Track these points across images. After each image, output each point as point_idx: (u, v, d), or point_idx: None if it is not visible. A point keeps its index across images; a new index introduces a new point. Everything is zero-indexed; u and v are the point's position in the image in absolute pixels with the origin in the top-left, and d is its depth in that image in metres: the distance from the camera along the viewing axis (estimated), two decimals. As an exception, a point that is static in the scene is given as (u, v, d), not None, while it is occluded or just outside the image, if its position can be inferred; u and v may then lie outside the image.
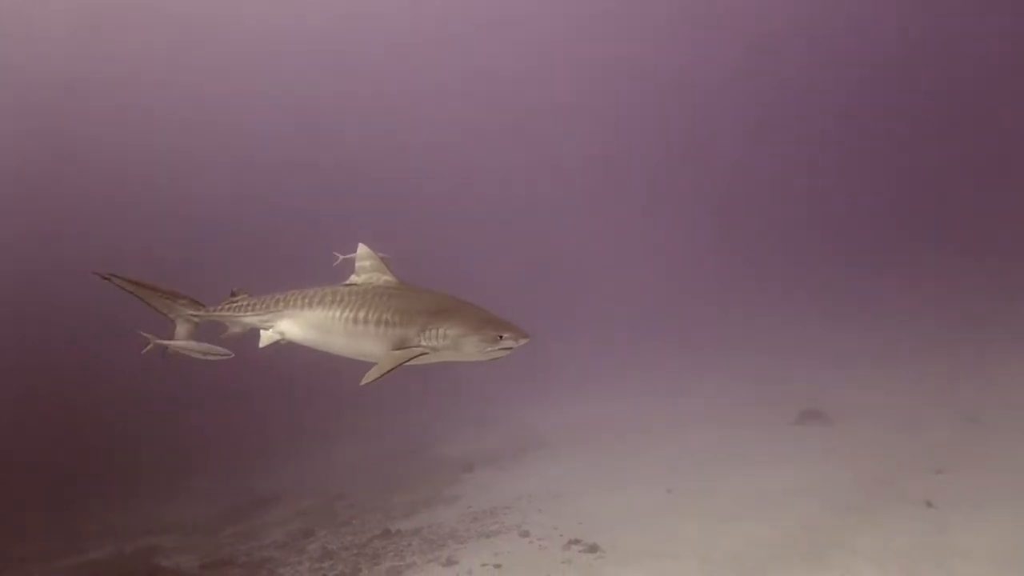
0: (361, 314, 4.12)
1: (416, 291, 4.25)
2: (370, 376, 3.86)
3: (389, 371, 3.87)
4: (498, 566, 8.13)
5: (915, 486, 8.62)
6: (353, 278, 4.42)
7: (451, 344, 3.98)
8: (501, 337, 3.96)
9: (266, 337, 4.55)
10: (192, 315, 4.86)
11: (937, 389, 13.83)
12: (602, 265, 43.02)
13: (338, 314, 4.18)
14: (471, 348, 3.98)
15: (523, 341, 4.00)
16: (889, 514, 7.89)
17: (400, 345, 4.00)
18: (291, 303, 4.44)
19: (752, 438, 12.98)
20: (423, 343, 3.99)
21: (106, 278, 4.52)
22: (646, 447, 13.93)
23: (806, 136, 53.80)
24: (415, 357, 3.95)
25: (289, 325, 4.43)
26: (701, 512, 9.17)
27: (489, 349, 3.99)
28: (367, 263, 4.38)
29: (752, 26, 50.20)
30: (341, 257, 5.08)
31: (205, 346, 4.69)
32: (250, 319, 4.70)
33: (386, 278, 4.34)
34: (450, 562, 8.55)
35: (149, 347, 4.92)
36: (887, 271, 30.40)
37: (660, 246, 45.32)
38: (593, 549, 8.21)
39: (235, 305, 4.79)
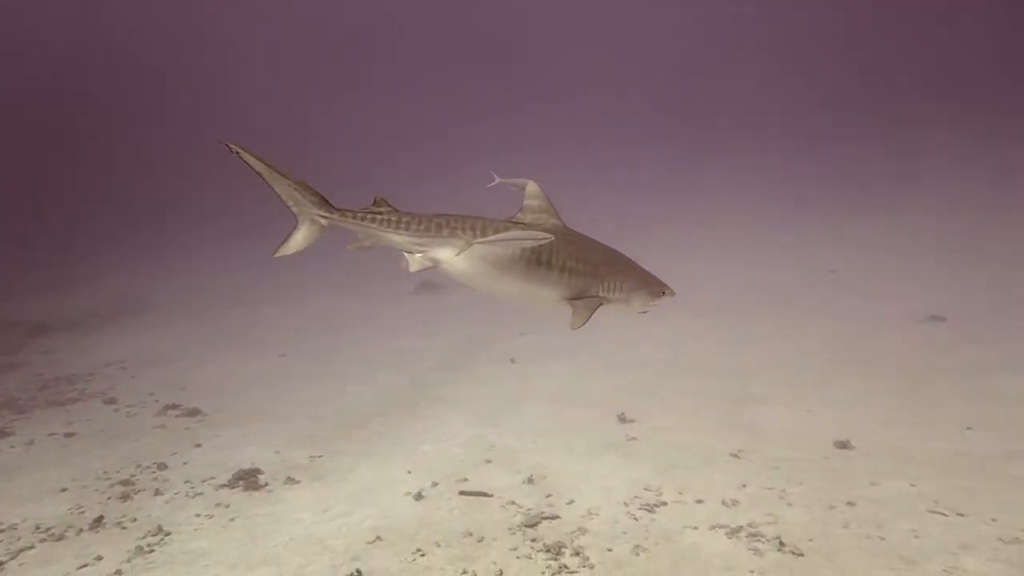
0: (544, 257, 4.00)
1: (584, 239, 4.24)
2: (577, 323, 4.01)
3: (588, 320, 4.04)
4: (71, 435, 7.00)
5: (504, 347, 9.93)
6: (519, 216, 4.19)
7: (624, 297, 4.19)
8: (663, 293, 4.26)
9: (417, 262, 4.07)
10: (320, 215, 4.07)
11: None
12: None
13: (519, 254, 3.95)
14: (638, 302, 4.23)
15: (673, 297, 4.31)
16: (481, 370, 8.95)
17: (580, 293, 4.10)
18: (459, 231, 3.96)
19: (374, 307, 13.44)
20: (601, 293, 4.13)
21: (235, 151, 3.83)
22: (264, 314, 13.41)
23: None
24: (596, 308, 4.11)
25: (453, 255, 3.99)
26: (315, 375, 9.20)
27: (651, 303, 4.26)
28: (535, 203, 4.18)
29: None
30: (498, 179, 4.47)
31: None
32: (399, 237, 4.08)
33: (553, 221, 4.18)
34: (4, 433, 7.08)
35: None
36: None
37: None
38: (193, 413, 7.61)
39: (379, 217, 4.08)
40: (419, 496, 5.18)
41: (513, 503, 5.01)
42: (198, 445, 6.60)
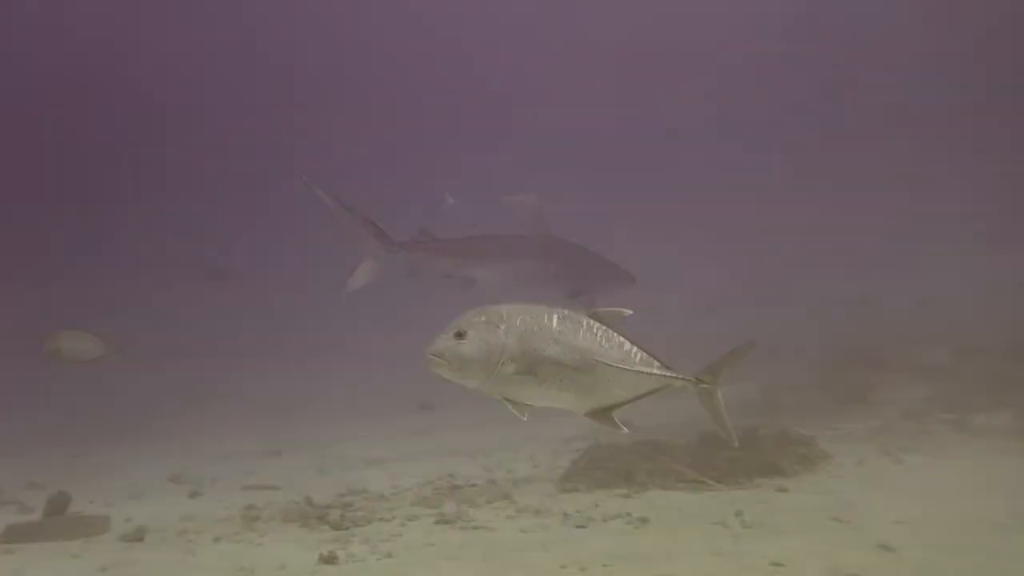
0: (551, 267, 4.84)
1: (569, 244, 5.05)
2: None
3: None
4: None
5: (303, 338, 9.46)
6: (523, 228, 4.93)
7: (605, 286, 5.09)
8: (633, 281, 5.42)
9: (460, 282, 4.65)
10: (381, 249, 4.55)
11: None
12: None
13: (540, 268, 4.82)
14: (619, 290, 5.24)
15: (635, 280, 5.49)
16: (275, 361, 8.47)
17: (577, 288, 4.88)
18: (489, 251, 4.78)
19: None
20: (592, 285, 4.90)
21: (311, 188, 4.25)
22: None
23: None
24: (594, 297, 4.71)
25: (486, 273, 4.74)
26: None
27: (627, 290, 5.29)
28: (533, 216, 4.95)
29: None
30: (507, 198, 4.92)
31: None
32: (445, 262, 4.72)
33: (544, 231, 4.96)
34: None
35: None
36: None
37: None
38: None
39: (428, 247, 4.70)
40: (194, 494, 4.75)
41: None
42: None
